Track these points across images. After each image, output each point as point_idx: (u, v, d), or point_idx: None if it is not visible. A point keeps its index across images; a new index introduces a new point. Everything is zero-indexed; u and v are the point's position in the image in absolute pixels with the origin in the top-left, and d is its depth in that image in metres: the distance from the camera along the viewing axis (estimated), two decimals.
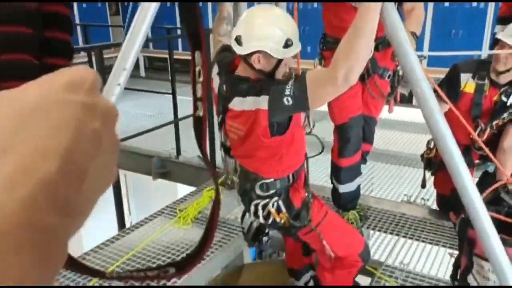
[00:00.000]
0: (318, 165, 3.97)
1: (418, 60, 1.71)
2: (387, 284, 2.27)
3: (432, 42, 6.10)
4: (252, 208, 1.94)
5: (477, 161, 2.90)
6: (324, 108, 2.76)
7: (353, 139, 2.56)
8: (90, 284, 2.29)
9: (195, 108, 0.58)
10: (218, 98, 1.90)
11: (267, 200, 1.91)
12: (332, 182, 2.82)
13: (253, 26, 1.69)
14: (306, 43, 7.02)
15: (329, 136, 2.80)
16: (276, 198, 1.90)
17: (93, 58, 3.13)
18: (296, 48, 1.75)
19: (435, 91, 1.85)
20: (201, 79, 0.58)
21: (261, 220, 1.93)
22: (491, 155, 1.67)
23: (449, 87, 2.46)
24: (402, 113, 5.38)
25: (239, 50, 1.72)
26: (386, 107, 2.72)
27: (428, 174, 2.97)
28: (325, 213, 2.01)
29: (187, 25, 0.59)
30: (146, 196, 5.70)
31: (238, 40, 1.71)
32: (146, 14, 1.50)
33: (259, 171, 1.91)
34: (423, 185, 3.01)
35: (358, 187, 2.79)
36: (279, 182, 1.90)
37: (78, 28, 6.95)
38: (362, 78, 2.47)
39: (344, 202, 2.79)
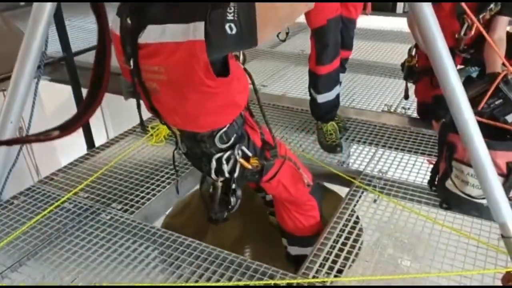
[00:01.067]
0: (296, 77, 3.83)
1: None
2: (364, 192, 2.24)
3: None
4: (214, 164, 1.62)
5: (459, 66, 2.80)
6: (301, 19, 2.55)
7: (331, 43, 2.38)
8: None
9: None
10: (121, 41, 1.44)
11: (229, 152, 1.62)
12: (310, 93, 2.69)
13: None
14: None
15: (308, 49, 2.61)
16: (238, 145, 1.62)
17: None
18: None
19: None
20: None
21: (226, 175, 1.64)
22: (487, 36, 1.54)
23: None
24: (383, 22, 5.16)
25: None
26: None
27: (409, 83, 2.87)
28: (285, 148, 1.86)
29: None
30: (125, 117, 5.53)
31: None
32: None
33: (214, 125, 1.57)
34: (406, 96, 2.92)
35: (337, 97, 2.67)
36: (235, 123, 1.61)
37: None
38: None
39: (323, 113, 2.68)
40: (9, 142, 0.46)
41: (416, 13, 1.61)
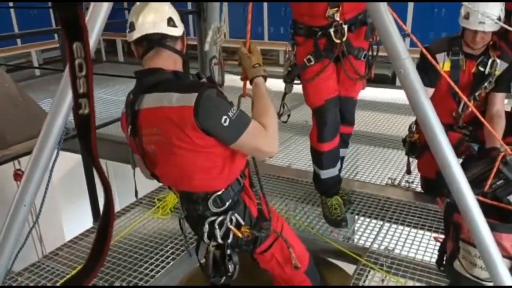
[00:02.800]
0: (300, 148, 3.90)
1: (401, 39, 1.62)
2: (371, 271, 2.21)
3: (414, 21, 6.02)
4: (206, 227, 1.66)
5: None
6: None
7: (330, 121, 2.48)
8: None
9: (78, 106, 0.49)
10: (126, 114, 1.63)
11: (222, 217, 1.65)
12: (314, 168, 2.73)
13: (172, 8, 1.60)
14: (284, 25, 6.90)
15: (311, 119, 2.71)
16: (231, 212, 1.65)
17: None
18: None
19: (419, 69, 1.77)
20: (83, 73, 0.49)
21: (219, 240, 1.66)
22: (480, 117, 1.61)
23: (427, 71, 2.37)
24: (385, 94, 5.34)
25: (176, 32, 1.58)
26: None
27: (411, 158, 2.91)
28: (282, 223, 1.84)
29: (60, 10, 0.49)
30: (131, 185, 5.57)
31: (172, 22, 1.57)
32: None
33: (207, 187, 1.63)
34: (408, 171, 2.95)
35: (339, 171, 2.71)
36: (231, 189, 1.65)
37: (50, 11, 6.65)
38: (337, 60, 2.39)
39: (327, 188, 2.71)
40: None
41: (410, 99, 1.68)
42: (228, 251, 1.66)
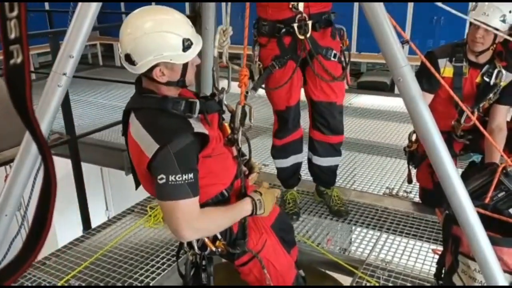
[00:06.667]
0: None
1: (400, 46, 1.57)
2: (368, 284, 2.15)
3: (413, 29, 6.00)
4: None
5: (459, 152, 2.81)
6: (302, 96, 2.61)
7: (290, 124, 2.57)
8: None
9: (8, 54, 0.41)
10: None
11: None
12: None
13: (139, 39, 1.39)
14: None
15: (307, 127, 2.67)
16: None
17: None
18: (198, 45, 1.47)
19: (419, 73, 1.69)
20: (14, 13, 0.41)
21: (196, 250, 1.65)
22: (483, 130, 1.55)
23: (428, 75, 2.31)
24: (384, 101, 5.30)
25: (135, 70, 1.44)
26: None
27: (411, 167, 2.86)
28: (265, 240, 1.77)
29: None
30: (125, 190, 5.50)
31: (129, 59, 1.42)
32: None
33: None
34: (409, 181, 2.88)
35: (293, 166, 2.73)
36: (211, 202, 1.61)
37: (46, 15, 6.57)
38: (305, 63, 2.34)
39: (282, 177, 2.82)
40: None
41: (408, 106, 1.63)
42: (203, 262, 1.67)
